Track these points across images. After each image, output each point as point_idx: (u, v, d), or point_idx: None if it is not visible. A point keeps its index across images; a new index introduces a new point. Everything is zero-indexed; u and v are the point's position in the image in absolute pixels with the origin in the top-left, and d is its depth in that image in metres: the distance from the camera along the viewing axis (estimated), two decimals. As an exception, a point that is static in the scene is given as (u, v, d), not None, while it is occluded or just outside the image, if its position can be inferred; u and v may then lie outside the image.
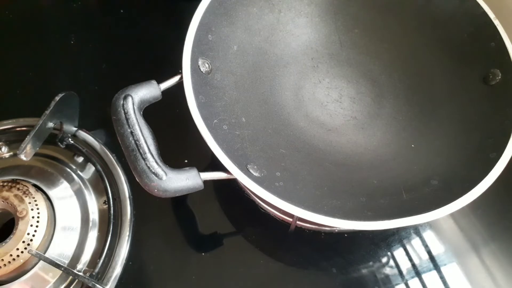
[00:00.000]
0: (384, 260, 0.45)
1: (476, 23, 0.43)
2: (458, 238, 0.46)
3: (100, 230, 0.45)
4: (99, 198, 0.47)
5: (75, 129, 0.49)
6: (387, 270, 0.45)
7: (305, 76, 0.50)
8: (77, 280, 0.42)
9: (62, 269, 0.40)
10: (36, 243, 0.40)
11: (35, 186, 0.44)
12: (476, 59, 0.43)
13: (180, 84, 0.39)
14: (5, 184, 0.42)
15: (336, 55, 0.50)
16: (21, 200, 0.41)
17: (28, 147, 0.41)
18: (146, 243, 0.46)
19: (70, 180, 0.47)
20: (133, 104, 0.36)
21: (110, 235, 0.43)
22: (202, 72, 0.41)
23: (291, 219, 0.45)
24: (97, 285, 0.40)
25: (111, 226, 0.44)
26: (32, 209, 0.41)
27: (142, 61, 0.58)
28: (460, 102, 0.44)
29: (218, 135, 0.37)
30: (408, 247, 0.46)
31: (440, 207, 0.33)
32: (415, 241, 0.46)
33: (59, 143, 0.48)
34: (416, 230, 0.47)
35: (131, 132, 0.34)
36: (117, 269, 0.43)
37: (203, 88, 0.40)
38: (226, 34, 0.45)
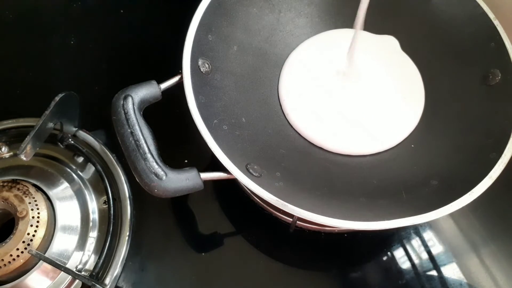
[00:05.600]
0: (384, 260, 0.45)
1: (476, 23, 0.43)
2: (458, 238, 0.46)
3: (100, 230, 0.45)
4: (99, 198, 0.47)
5: (75, 129, 0.49)
6: (387, 270, 0.45)
7: (305, 76, 0.50)
8: (77, 280, 0.42)
9: (62, 269, 0.40)
10: (36, 243, 0.40)
11: (35, 186, 0.44)
12: (476, 59, 0.43)
13: (180, 84, 0.39)
14: (5, 184, 0.42)
15: (336, 55, 0.50)
16: (21, 200, 0.41)
17: (28, 147, 0.41)
18: (146, 243, 0.46)
19: (70, 180, 0.47)
20: (133, 104, 0.36)
21: (110, 235, 0.43)
22: (202, 72, 0.41)
23: (291, 219, 0.45)
24: (97, 285, 0.40)
25: (111, 226, 0.44)
26: (32, 209, 0.41)
27: (142, 61, 0.58)
28: (460, 102, 0.44)
29: (218, 135, 0.37)
30: (408, 247, 0.46)
31: (440, 207, 0.33)
32: (415, 241, 0.46)
33: (59, 143, 0.48)
34: (416, 230, 0.47)
35: (131, 132, 0.34)
36: (117, 269, 0.43)
37: (203, 88, 0.40)
38: (226, 34, 0.45)
